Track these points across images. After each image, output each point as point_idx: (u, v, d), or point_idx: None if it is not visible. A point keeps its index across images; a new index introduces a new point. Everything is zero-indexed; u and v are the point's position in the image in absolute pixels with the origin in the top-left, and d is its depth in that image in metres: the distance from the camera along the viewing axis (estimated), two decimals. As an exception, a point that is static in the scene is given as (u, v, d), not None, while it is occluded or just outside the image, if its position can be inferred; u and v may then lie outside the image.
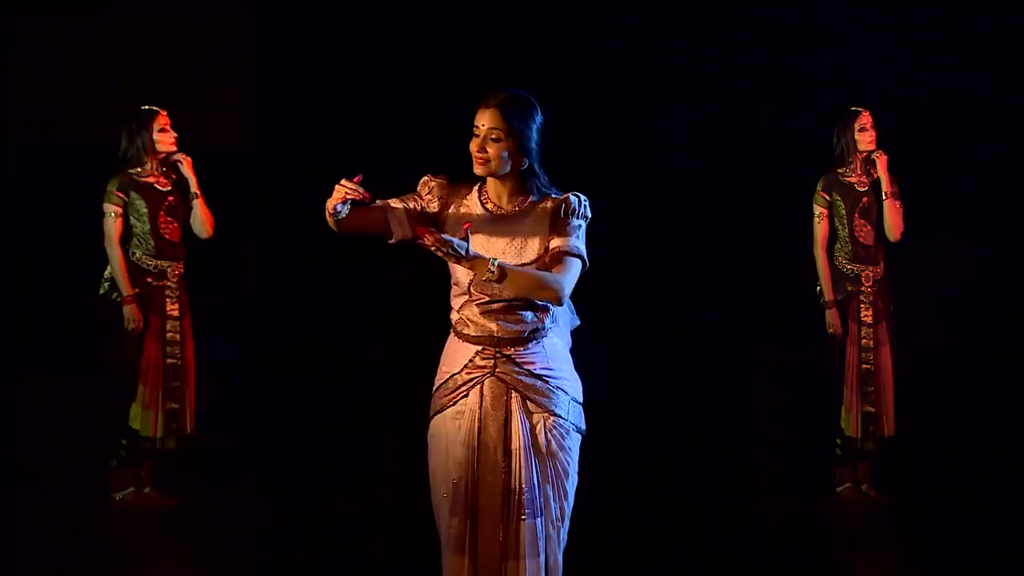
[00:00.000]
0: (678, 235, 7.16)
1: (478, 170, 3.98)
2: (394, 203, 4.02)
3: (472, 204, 4.04)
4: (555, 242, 3.96)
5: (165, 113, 6.44)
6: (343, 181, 3.81)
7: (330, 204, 3.83)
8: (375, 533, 5.98)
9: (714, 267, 7.33)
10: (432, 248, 3.73)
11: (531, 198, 4.02)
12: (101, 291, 6.45)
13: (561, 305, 3.96)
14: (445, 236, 3.73)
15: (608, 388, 6.45)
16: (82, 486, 6.48)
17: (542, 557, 3.98)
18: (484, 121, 3.95)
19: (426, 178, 4.08)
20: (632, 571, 5.52)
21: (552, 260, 3.95)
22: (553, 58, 6.95)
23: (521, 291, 3.92)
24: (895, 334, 6.73)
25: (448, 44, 7.04)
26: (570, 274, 3.94)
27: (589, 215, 4.02)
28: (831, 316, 6.71)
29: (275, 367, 7.21)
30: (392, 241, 4.04)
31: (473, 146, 3.97)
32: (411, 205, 4.02)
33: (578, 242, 3.97)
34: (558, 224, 3.97)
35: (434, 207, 4.04)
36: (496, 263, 3.82)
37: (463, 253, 3.76)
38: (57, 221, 6.90)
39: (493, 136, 3.94)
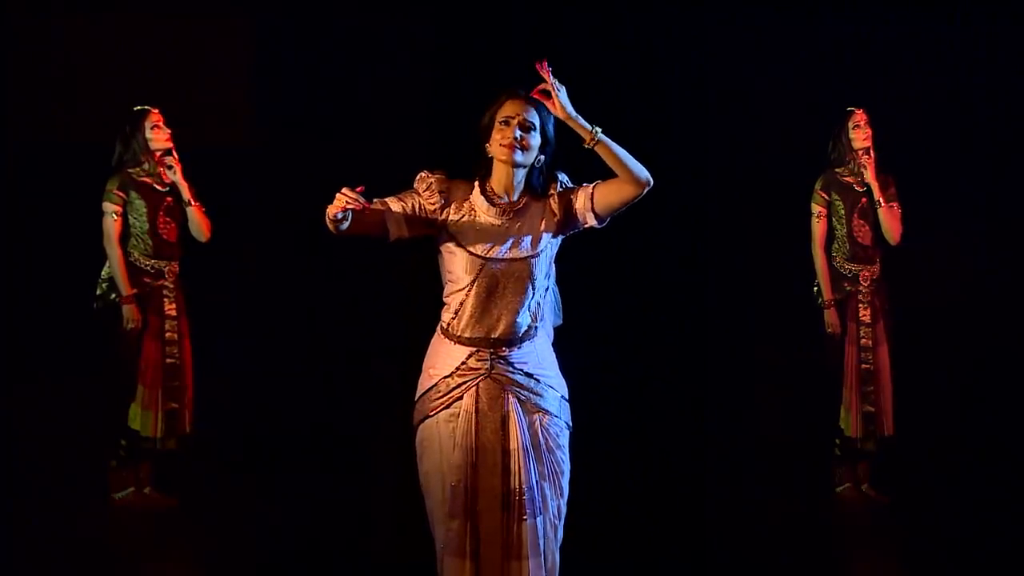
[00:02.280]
0: (678, 234, 7.15)
1: (507, 156, 3.98)
2: (392, 203, 4.01)
3: (475, 199, 4.04)
4: (582, 191, 4.04)
5: (157, 111, 6.45)
6: (344, 190, 3.78)
7: (330, 211, 3.81)
8: (375, 533, 5.98)
9: (714, 267, 7.33)
10: (546, 86, 3.89)
11: (530, 195, 4.04)
12: (99, 291, 6.45)
13: (650, 185, 3.97)
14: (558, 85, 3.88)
15: (607, 388, 6.47)
16: (82, 486, 6.48)
17: (542, 556, 3.98)
18: (517, 110, 3.98)
19: (423, 174, 4.08)
20: (632, 571, 5.52)
21: (597, 187, 4.02)
22: (552, 58, 6.94)
23: (624, 165, 3.95)
24: (893, 334, 6.73)
25: (448, 44, 7.04)
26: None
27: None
28: (830, 316, 6.71)
29: (274, 366, 7.21)
30: (391, 240, 4.04)
31: (507, 133, 3.97)
32: (409, 203, 4.02)
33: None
34: (568, 193, 4.06)
35: (434, 202, 4.04)
36: (599, 132, 3.91)
37: (569, 111, 3.89)
38: (57, 221, 6.89)
39: (529, 125, 3.99)
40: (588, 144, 3.92)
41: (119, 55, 7.08)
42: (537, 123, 4.00)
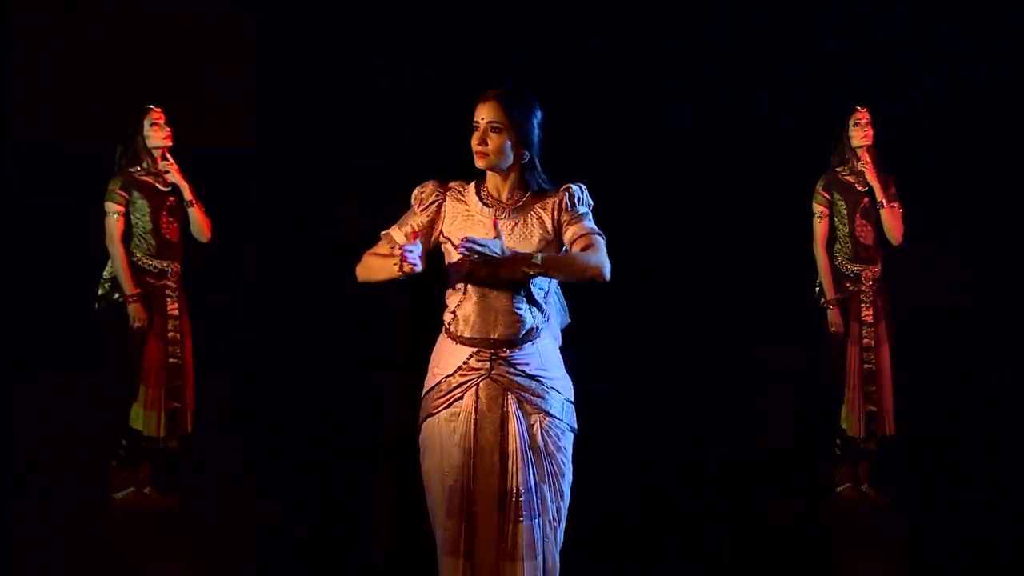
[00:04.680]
0: (678, 234, 7.15)
1: (479, 163, 3.98)
2: (395, 234, 4.00)
3: (470, 200, 4.03)
4: (574, 229, 3.97)
5: (159, 110, 6.45)
6: (402, 254, 3.77)
7: (402, 269, 3.80)
8: (375, 533, 5.98)
9: (714, 267, 7.33)
10: (470, 256, 3.76)
11: (530, 193, 4.02)
12: (100, 291, 6.46)
13: (607, 280, 3.92)
14: (477, 241, 3.73)
15: (607, 388, 6.46)
16: (82, 486, 6.49)
17: (540, 558, 3.97)
18: (484, 114, 3.95)
19: (415, 191, 4.07)
20: (631, 571, 5.52)
21: (579, 244, 3.95)
22: (552, 57, 6.95)
23: (570, 276, 3.94)
24: (894, 333, 6.73)
25: (448, 44, 7.03)
26: (604, 252, 3.95)
27: (591, 202, 4.04)
28: (833, 315, 6.70)
29: (275, 366, 7.21)
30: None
31: (474, 140, 3.96)
32: (413, 223, 4.02)
33: (594, 225, 3.99)
34: (567, 214, 3.99)
35: (429, 213, 4.03)
36: (540, 256, 3.83)
37: (500, 252, 3.77)
38: (57, 221, 6.90)
39: (493, 128, 3.94)
40: (536, 272, 3.85)
41: (120, 55, 7.08)
42: (505, 122, 3.94)
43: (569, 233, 3.97)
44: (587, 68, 7.00)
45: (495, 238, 3.80)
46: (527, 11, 6.98)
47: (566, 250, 3.97)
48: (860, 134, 6.68)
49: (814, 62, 7.28)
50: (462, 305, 4.01)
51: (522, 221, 3.99)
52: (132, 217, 6.43)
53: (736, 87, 7.32)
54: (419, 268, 3.83)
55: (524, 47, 6.91)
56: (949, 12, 7.15)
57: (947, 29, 7.23)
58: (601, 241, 3.96)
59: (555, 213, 3.99)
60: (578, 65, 6.97)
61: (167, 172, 6.46)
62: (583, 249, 3.93)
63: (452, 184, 4.07)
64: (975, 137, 7.28)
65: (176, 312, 6.49)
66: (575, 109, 6.82)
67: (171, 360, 6.46)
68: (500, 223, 3.95)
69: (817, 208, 6.76)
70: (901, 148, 6.82)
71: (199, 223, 6.52)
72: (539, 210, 4.00)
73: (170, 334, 6.47)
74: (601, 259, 3.92)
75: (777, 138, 7.29)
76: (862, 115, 6.69)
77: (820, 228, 6.76)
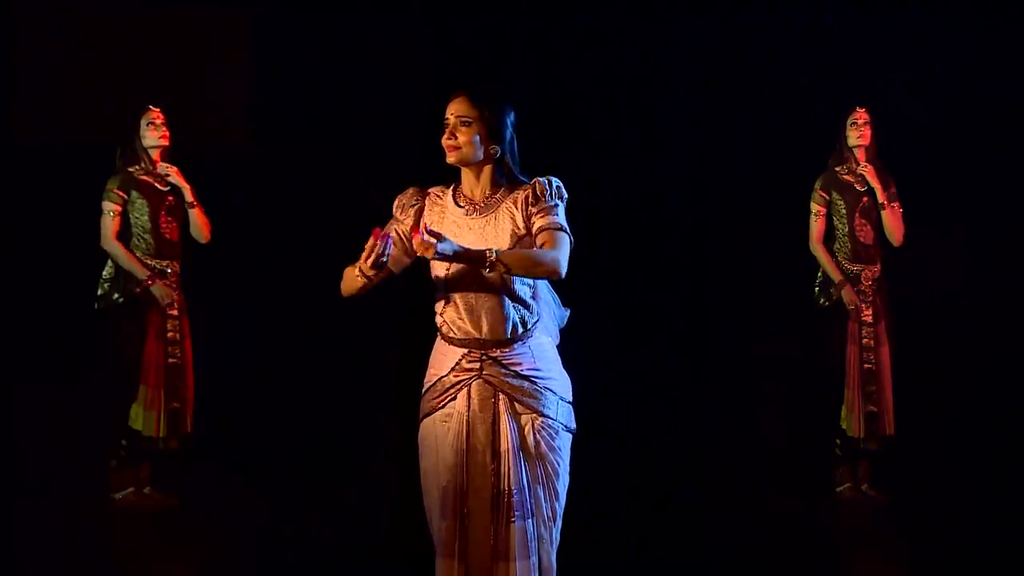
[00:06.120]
0: (677, 233, 7.16)
1: (449, 158, 3.96)
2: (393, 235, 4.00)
3: (447, 202, 4.02)
4: (538, 222, 3.92)
5: (157, 110, 6.46)
6: (369, 245, 3.73)
7: (368, 265, 3.77)
8: (374, 533, 5.98)
9: (713, 266, 7.34)
10: (423, 253, 3.70)
11: (502, 189, 4.00)
12: (100, 292, 6.46)
13: (561, 278, 3.88)
14: (427, 239, 3.67)
15: (606, 388, 6.47)
16: (82, 486, 6.49)
17: (534, 558, 3.96)
18: (453, 110, 3.95)
19: (397, 200, 4.07)
20: (631, 571, 5.52)
21: (540, 238, 3.91)
22: (553, 56, 6.96)
23: (524, 273, 3.87)
24: (894, 333, 6.72)
25: (447, 44, 7.04)
26: (562, 248, 3.89)
27: (565, 195, 3.99)
28: (847, 292, 6.67)
29: (274, 366, 7.21)
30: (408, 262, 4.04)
31: (444, 135, 3.96)
32: (398, 230, 4.01)
33: (560, 219, 3.93)
34: (535, 206, 3.94)
35: (408, 222, 4.01)
36: (495, 252, 3.77)
37: (450, 252, 3.72)
38: (57, 221, 6.90)
39: (463, 122, 3.93)
40: (492, 269, 3.79)
41: (120, 55, 7.08)
42: (474, 116, 3.92)
43: (535, 227, 3.93)
44: (588, 68, 7.00)
45: (433, 238, 3.70)
46: (527, 9, 6.99)
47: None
48: (856, 134, 6.68)
49: (814, 62, 7.28)
50: (448, 309, 4.00)
51: (493, 218, 3.96)
52: (131, 216, 6.44)
53: (736, 87, 7.32)
54: (385, 257, 3.75)
55: (525, 44, 6.92)
56: (949, 12, 7.15)
57: (947, 29, 7.23)
58: (563, 236, 3.90)
59: (524, 207, 3.96)
60: (579, 65, 6.97)
61: (167, 175, 6.47)
62: (543, 244, 3.89)
63: (431, 189, 4.06)
64: (975, 137, 7.29)
65: (176, 312, 6.49)
66: (575, 109, 6.83)
67: (171, 360, 6.47)
68: (445, 223, 3.92)
69: (814, 207, 6.76)
70: (901, 148, 6.82)
71: (199, 224, 6.53)
72: (510, 205, 3.97)
73: (170, 334, 6.48)
74: (556, 255, 3.86)
75: (777, 138, 7.29)
76: (860, 115, 6.69)
77: (816, 226, 6.76)
